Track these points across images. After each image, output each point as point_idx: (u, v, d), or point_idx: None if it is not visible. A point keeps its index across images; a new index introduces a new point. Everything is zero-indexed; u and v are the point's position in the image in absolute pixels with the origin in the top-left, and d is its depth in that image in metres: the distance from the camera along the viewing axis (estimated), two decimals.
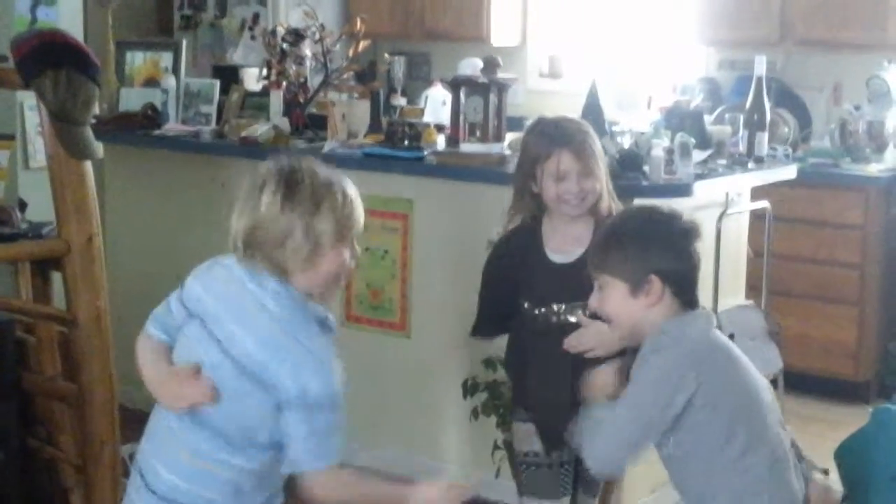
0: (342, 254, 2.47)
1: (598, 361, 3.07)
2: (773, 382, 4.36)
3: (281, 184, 2.40)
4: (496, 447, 4.13)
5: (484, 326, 3.41)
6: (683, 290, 2.56)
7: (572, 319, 3.13)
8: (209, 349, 2.44)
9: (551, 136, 3.18)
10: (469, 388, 3.97)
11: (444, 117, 4.95)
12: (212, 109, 5.25)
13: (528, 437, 3.30)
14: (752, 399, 2.58)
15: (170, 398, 2.46)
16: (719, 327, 4.38)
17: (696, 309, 2.60)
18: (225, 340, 2.43)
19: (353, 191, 2.49)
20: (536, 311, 3.20)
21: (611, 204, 3.23)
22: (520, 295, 3.23)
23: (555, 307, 3.17)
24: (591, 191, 3.15)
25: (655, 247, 2.54)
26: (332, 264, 2.46)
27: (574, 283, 3.06)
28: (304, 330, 2.43)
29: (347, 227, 2.45)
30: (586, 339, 3.09)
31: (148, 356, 2.56)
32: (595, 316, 2.95)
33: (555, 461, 3.26)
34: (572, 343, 3.11)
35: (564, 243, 3.20)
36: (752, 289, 4.88)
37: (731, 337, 4.43)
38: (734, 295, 4.70)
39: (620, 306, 2.58)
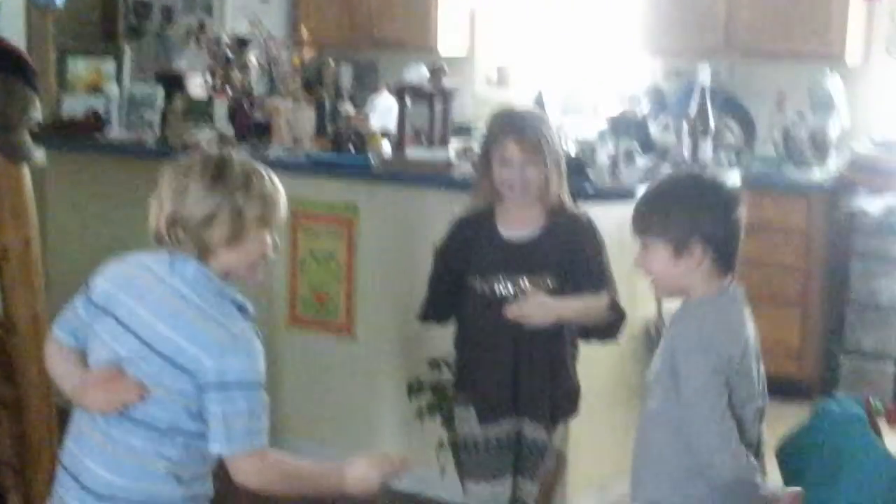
0: (266, 238, 2.48)
1: (538, 335, 3.21)
2: None
3: (209, 167, 2.43)
4: (441, 446, 4.13)
5: (432, 308, 3.45)
6: (723, 256, 2.58)
7: (513, 291, 3.23)
8: (126, 342, 2.41)
9: (503, 123, 3.30)
10: (414, 389, 3.97)
11: (391, 124, 4.96)
12: (155, 116, 5.22)
13: (467, 421, 3.36)
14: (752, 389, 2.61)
15: (99, 404, 2.42)
16: (658, 332, 4.46)
17: (731, 275, 2.60)
18: (142, 332, 2.40)
19: (278, 182, 2.52)
20: (484, 285, 3.28)
21: (562, 195, 3.30)
22: (469, 273, 3.31)
23: (500, 280, 3.25)
24: (535, 180, 3.22)
25: (701, 211, 2.57)
26: (256, 246, 2.47)
27: (522, 259, 3.24)
28: (223, 313, 2.42)
29: (271, 213, 2.47)
30: (527, 308, 3.17)
31: (61, 364, 2.54)
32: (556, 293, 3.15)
33: (493, 444, 3.32)
34: (513, 311, 3.18)
35: (517, 223, 3.30)
36: None
37: None
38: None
39: (663, 268, 2.59)
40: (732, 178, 4.81)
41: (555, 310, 3.21)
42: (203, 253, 2.43)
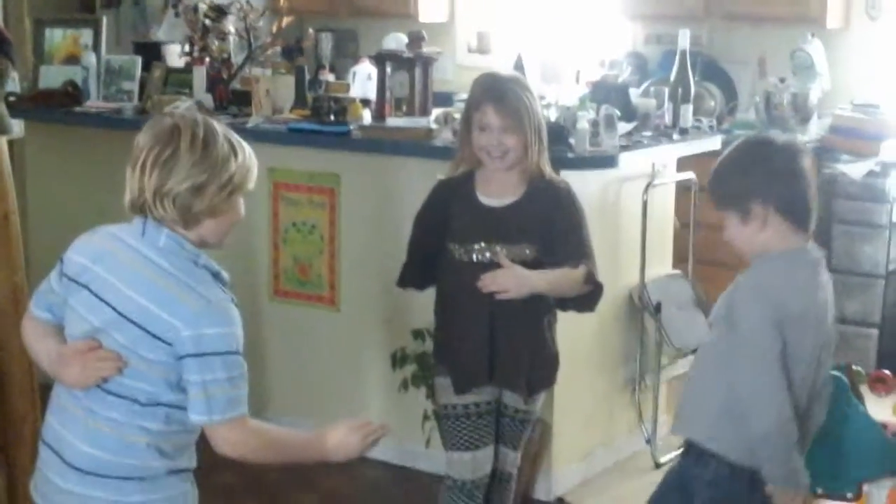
0: (241, 204, 2.49)
1: (516, 303, 3.18)
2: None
3: (199, 134, 2.39)
4: (426, 417, 4.13)
5: (410, 273, 3.44)
6: (791, 214, 2.61)
7: (490, 258, 3.23)
8: (101, 313, 2.40)
9: (483, 89, 3.28)
10: (398, 360, 3.97)
11: (371, 92, 4.93)
12: (134, 86, 5.19)
13: (447, 391, 3.35)
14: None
15: (76, 377, 2.41)
16: (648, 297, 4.46)
17: (807, 233, 2.63)
18: (117, 303, 2.38)
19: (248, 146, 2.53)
20: (461, 251, 3.28)
21: (542, 163, 3.29)
22: (447, 238, 3.31)
23: (476, 246, 3.25)
24: (513, 147, 3.22)
25: (752, 174, 2.61)
26: (234, 213, 2.47)
27: (500, 225, 3.24)
28: (198, 281, 2.40)
29: (248, 178, 2.47)
30: (501, 279, 3.15)
31: (39, 339, 2.52)
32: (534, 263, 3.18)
33: (473, 413, 3.32)
34: (486, 282, 3.16)
35: (495, 189, 3.30)
36: (680, 259, 4.92)
37: (659, 306, 4.50)
38: (661, 265, 4.74)
39: (736, 235, 2.66)
40: (712, 143, 4.82)
41: (529, 282, 3.18)
42: (188, 223, 2.41)
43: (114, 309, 2.38)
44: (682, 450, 2.75)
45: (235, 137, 2.46)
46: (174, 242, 2.41)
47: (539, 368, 3.36)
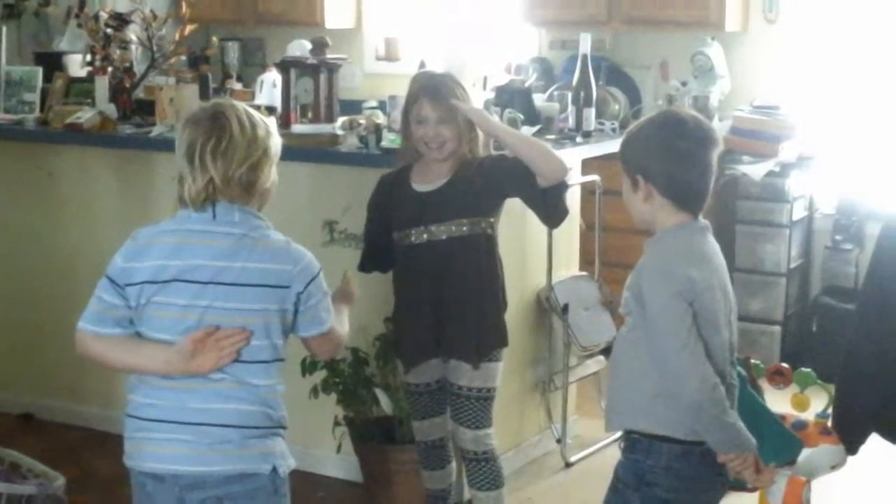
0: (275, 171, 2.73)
1: (460, 276, 3.52)
2: (606, 350, 4.47)
3: (242, 117, 2.61)
4: (336, 424, 4.13)
5: (365, 260, 3.73)
6: (673, 193, 2.64)
7: (426, 238, 3.52)
8: (213, 293, 2.56)
9: (420, 86, 3.58)
10: (307, 367, 3.95)
11: (278, 100, 4.92)
12: (35, 97, 5.15)
13: (400, 368, 3.78)
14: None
15: (210, 363, 2.55)
16: (556, 298, 4.50)
17: (694, 210, 2.66)
18: (221, 277, 2.56)
19: None
20: (401, 237, 3.58)
21: (475, 150, 3.56)
22: (392, 228, 3.61)
23: (414, 231, 3.54)
24: (450, 138, 3.51)
25: (647, 149, 2.65)
26: (275, 178, 2.71)
27: (430, 208, 3.54)
28: (274, 232, 2.66)
29: (279, 147, 2.71)
30: (472, 109, 3.57)
31: (132, 351, 2.63)
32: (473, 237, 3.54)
33: (424, 391, 3.70)
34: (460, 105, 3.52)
35: (428, 177, 3.59)
36: (586, 261, 4.98)
37: (566, 307, 4.54)
38: (568, 267, 4.79)
39: (627, 199, 2.72)
40: (615, 145, 4.86)
41: (491, 119, 3.62)
42: (251, 196, 2.62)
43: (222, 285, 2.56)
44: (623, 447, 2.73)
45: (257, 113, 2.67)
46: (247, 215, 2.62)
47: (486, 335, 3.58)
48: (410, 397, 3.77)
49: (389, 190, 3.66)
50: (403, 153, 3.68)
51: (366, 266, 3.73)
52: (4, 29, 5.58)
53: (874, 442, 3.53)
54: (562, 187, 3.55)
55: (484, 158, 3.58)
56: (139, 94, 5.05)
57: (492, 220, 3.58)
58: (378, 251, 3.69)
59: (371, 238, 3.73)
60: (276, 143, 2.67)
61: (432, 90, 3.52)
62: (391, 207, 3.63)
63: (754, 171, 5.70)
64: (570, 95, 4.84)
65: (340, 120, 4.56)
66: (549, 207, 3.57)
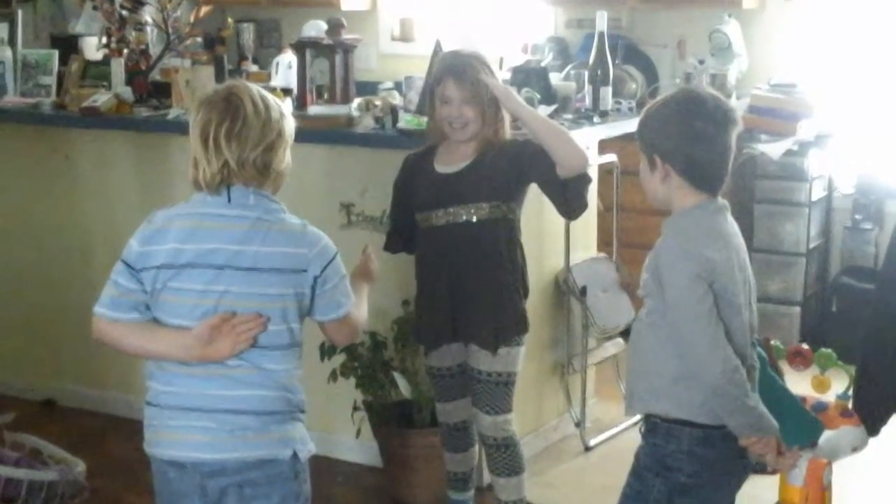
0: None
1: (479, 260, 3.50)
2: (625, 333, 4.45)
3: (256, 99, 2.59)
4: (355, 408, 4.13)
5: (392, 239, 3.75)
6: (691, 174, 2.62)
7: (446, 221, 3.52)
8: (223, 278, 2.54)
9: (445, 65, 3.59)
10: (326, 351, 3.94)
11: (293, 82, 4.90)
12: (51, 81, 5.14)
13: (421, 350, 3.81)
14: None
15: (227, 349, 2.54)
16: (573, 280, 4.49)
17: (712, 191, 2.64)
18: (234, 262, 2.54)
19: None
20: (423, 217, 3.58)
21: (500, 131, 3.54)
22: (414, 210, 3.61)
23: (435, 213, 3.54)
24: (474, 119, 3.49)
25: (665, 129, 2.63)
26: (289, 160, 2.68)
27: (451, 190, 3.53)
28: (289, 215, 2.64)
29: (292, 128, 2.70)
30: (502, 88, 3.54)
31: (150, 337, 2.61)
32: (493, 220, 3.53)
33: (446, 374, 3.70)
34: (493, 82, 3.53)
35: (452, 158, 3.58)
36: (604, 242, 4.96)
37: (584, 290, 4.52)
38: (586, 248, 4.77)
39: (644, 179, 2.70)
40: (632, 125, 4.84)
41: (517, 99, 3.56)
42: (265, 179, 2.60)
43: (239, 269, 2.54)
44: (644, 431, 2.71)
45: (270, 95, 2.66)
46: (262, 198, 2.60)
47: (504, 322, 3.56)
48: (433, 380, 3.77)
49: (413, 170, 3.67)
50: (430, 133, 3.68)
51: (392, 246, 3.74)
52: (20, 12, 5.59)
53: None
54: (584, 180, 3.51)
55: (508, 142, 3.56)
56: (155, 76, 5.04)
57: (513, 205, 3.56)
58: (404, 231, 3.70)
59: (396, 218, 3.74)
60: (290, 125, 2.66)
61: (458, 70, 3.50)
62: (414, 188, 3.63)
63: (772, 149, 5.65)
64: (586, 74, 4.81)
65: (356, 101, 4.55)
66: (569, 200, 3.54)
